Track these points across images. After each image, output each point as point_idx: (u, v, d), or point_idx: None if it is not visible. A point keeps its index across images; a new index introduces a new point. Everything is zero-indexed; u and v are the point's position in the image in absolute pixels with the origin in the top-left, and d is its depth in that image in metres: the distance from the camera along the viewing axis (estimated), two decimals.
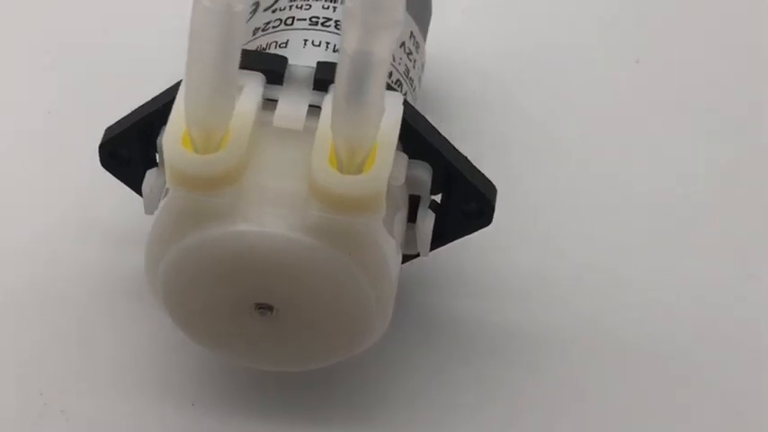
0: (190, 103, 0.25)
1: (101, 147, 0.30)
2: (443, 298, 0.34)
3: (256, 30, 0.31)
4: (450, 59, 0.39)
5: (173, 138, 0.25)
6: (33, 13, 0.41)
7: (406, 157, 0.28)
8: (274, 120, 0.27)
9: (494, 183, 0.30)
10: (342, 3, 0.31)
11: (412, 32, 0.32)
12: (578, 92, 0.39)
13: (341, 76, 0.24)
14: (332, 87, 0.26)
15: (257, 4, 0.32)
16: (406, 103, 0.28)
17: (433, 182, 0.29)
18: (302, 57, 0.30)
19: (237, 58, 0.24)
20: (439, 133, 0.29)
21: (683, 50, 0.40)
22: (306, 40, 0.30)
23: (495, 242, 0.34)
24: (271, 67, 0.27)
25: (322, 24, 0.31)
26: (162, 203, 0.27)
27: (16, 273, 0.33)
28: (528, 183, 0.36)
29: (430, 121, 0.29)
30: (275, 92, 0.27)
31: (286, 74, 0.28)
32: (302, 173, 0.26)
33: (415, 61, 0.32)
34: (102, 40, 0.40)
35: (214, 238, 0.26)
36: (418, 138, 0.28)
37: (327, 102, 0.27)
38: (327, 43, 0.30)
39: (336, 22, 0.31)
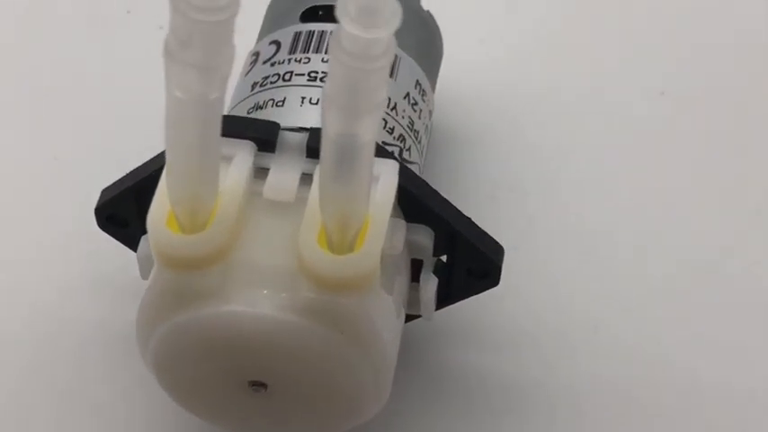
0: (172, 185, 0.24)
1: (97, 210, 0.30)
2: (454, 351, 0.33)
3: (254, 84, 0.30)
4: (464, 91, 0.38)
5: (157, 218, 0.24)
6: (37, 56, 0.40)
7: (404, 223, 0.27)
8: (264, 191, 0.26)
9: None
10: None
11: (417, 81, 0.31)
12: (598, 126, 0.37)
13: (325, 157, 0.23)
14: None
15: (257, 55, 0.31)
16: (403, 168, 0.27)
17: (436, 244, 0.28)
18: (299, 116, 0.29)
19: (218, 141, 0.23)
20: (440, 196, 0.28)
21: (709, 81, 0.38)
22: (303, 98, 0.29)
23: (509, 288, 0.33)
24: (262, 136, 0.26)
25: (321, 80, 0.29)
26: (149, 280, 0.26)
27: (22, 325, 0.33)
28: (542, 223, 0.35)
29: (432, 178, 0.28)
30: (267, 160, 0.26)
31: (278, 140, 0.27)
32: (293, 248, 0.25)
33: (420, 111, 0.31)
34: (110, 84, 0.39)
35: (202, 318, 0.25)
36: (418, 203, 0.27)
37: (317, 174, 0.26)
38: None
39: None
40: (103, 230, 0.30)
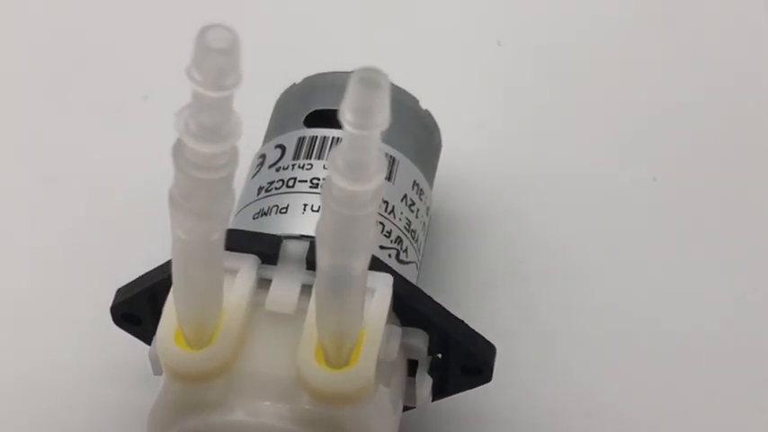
0: (179, 307, 0.25)
1: (112, 308, 0.31)
2: None
3: (260, 189, 0.32)
4: (462, 176, 0.39)
5: (165, 336, 0.26)
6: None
7: (398, 330, 0.28)
8: (266, 303, 0.28)
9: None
10: None
11: (415, 182, 0.33)
12: (597, 212, 0.39)
13: (318, 286, 0.25)
14: None
15: (264, 158, 0.33)
16: (398, 279, 0.28)
17: (431, 345, 0.30)
18: (302, 223, 0.30)
19: (220, 271, 0.25)
20: (432, 302, 0.29)
21: (701, 168, 0.39)
22: (306, 205, 0.31)
23: (505, 373, 0.34)
24: (265, 250, 0.28)
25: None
26: (161, 387, 0.28)
27: (29, 407, 0.34)
28: (540, 309, 0.36)
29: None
30: (270, 272, 0.28)
31: (281, 252, 0.28)
32: (293, 359, 0.26)
33: (418, 210, 0.33)
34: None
35: (207, 426, 0.27)
36: (412, 310, 0.29)
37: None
38: None
39: None
40: (119, 327, 0.32)
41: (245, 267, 0.28)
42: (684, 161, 0.40)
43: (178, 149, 0.22)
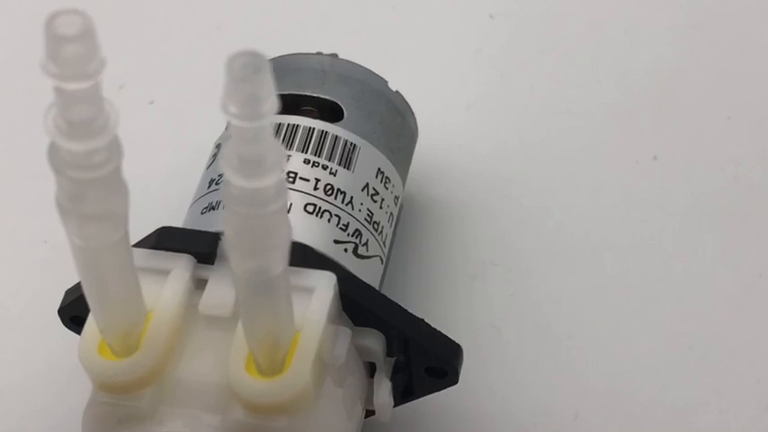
0: (96, 317, 0.24)
1: (60, 311, 0.30)
2: None
3: (211, 182, 0.30)
4: (449, 160, 0.37)
5: (88, 345, 0.24)
6: None
7: (348, 332, 0.26)
8: (200, 306, 0.26)
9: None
10: (298, 150, 0.30)
11: (380, 169, 0.31)
12: (590, 192, 0.36)
13: (237, 290, 0.23)
14: None
15: (218, 148, 0.31)
16: (346, 276, 0.26)
17: (392, 346, 0.28)
18: None
19: (131, 271, 0.23)
20: (386, 301, 0.27)
21: (701, 145, 0.36)
22: None
23: (489, 369, 0.32)
24: (200, 250, 0.26)
25: None
26: (87, 402, 0.26)
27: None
28: (533, 304, 0.34)
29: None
30: (206, 272, 0.26)
31: (218, 251, 0.27)
32: (226, 366, 0.25)
33: (382, 200, 0.30)
34: None
35: None
36: (364, 309, 0.27)
37: None
38: None
39: (289, 173, 0.29)
40: (68, 329, 0.30)
41: (178, 268, 0.26)
42: (687, 138, 0.37)
43: (53, 152, 0.20)
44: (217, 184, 0.30)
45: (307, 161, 0.29)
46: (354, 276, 0.27)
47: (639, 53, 0.38)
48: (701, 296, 0.33)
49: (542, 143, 0.37)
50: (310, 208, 0.29)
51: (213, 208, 0.29)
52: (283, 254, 0.22)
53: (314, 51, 0.33)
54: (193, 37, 0.41)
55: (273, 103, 0.19)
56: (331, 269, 0.26)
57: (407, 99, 0.33)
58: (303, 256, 0.26)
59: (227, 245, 0.21)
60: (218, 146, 0.31)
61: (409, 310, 0.28)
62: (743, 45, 0.38)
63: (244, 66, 0.18)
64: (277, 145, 0.20)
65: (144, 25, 0.41)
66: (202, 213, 0.29)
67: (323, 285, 0.25)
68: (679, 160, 0.36)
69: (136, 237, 0.28)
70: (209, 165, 0.31)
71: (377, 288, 0.30)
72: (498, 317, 0.34)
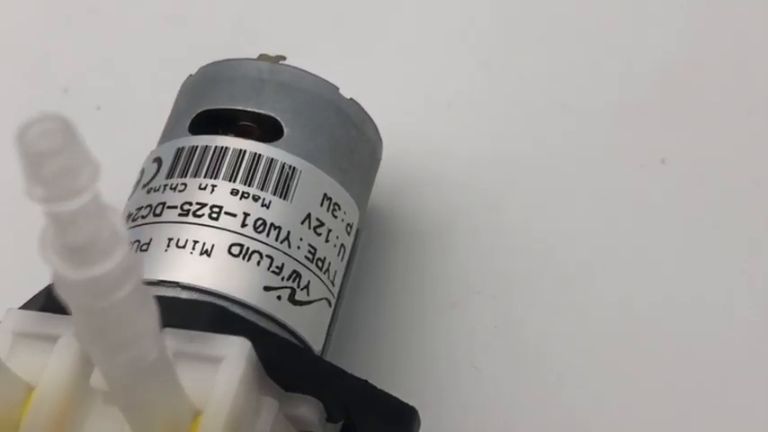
0: None
1: None
2: None
3: (129, 217, 0.26)
4: (428, 166, 0.32)
5: None
6: None
7: (274, 403, 0.22)
8: (92, 381, 0.22)
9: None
10: (225, 179, 0.25)
11: (326, 195, 0.26)
12: (588, 203, 0.31)
13: (108, 385, 0.19)
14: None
15: (142, 174, 0.27)
16: (266, 340, 0.22)
17: (332, 412, 0.24)
18: (163, 265, 0.24)
19: None
20: (322, 361, 0.23)
21: (718, 145, 0.31)
22: (171, 240, 0.24)
23: (469, 408, 0.28)
24: None
25: (194, 214, 0.25)
26: None
27: None
28: (507, 336, 0.30)
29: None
30: None
31: None
32: None
33: (329, 232, 0.26)
34: None
35: None
36: (292, 374, 0.23)
37: None
38: (195, 243, 0.24)
39: (212, 207, 0.25)
40: None
41: (68, 335, 0.22)
42: (701, 137, 0.31)
43: (61, 285, 0.16)
44: (134, 220, 0.26)
45: (234, 192, 0.25)
46: (278, 336, 0.23)
47: (646, 39, 0.33)
48: (716, 328, 0.29)
49: (534, 146, 0.32)
50: (236, 249, 0.24)
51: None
52: (152, 338, 0.18)
53: (265, 49, 0.29)
54: (144, 32, 0.37)
55: (92, 170, 0.15)
56: (249, 330, 0.22)
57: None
58: (212, 320, 0.22)
59: (79, 341, 0.17)
60: (141, 171, 0.27)
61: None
62: (765, 29, 0.33)
63: (41, 136, 0.14)
64: (112, 215, 0.16)
65: (90, 20, 0.37)
66: None
67: (233, 354, 0.21)
68: (692, 163, 0.31)
69: None
70: (131, 195, 0.27)
71: (325, 335, 0.26)
72: (480, 353, 0.29)
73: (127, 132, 0.34)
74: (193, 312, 0.23)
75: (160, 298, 0.22)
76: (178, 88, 0.29)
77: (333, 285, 0.26)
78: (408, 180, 0.32)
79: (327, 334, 0.26)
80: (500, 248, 0.31)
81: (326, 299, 0.26)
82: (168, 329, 0.21)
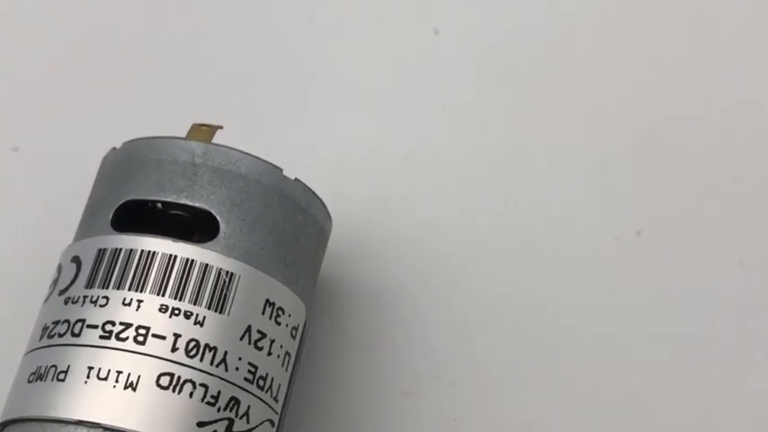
0: None
1: None
2: None
3: (45, 330, 0.23)
4: (382, 232, 0.29)
5: None
6: None
7: None
8: None
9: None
10: (153, 292, 0.22)
11: (268, 300, 0.23)
12: (558, 277, 0.28)
13: None
14: None
15: (59, 272, 0.24)
16: None
17: None
18: (81, 401, 0.21)
19: None
20: None
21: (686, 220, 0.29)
22: (91, 369, 0.21)
23: None
24: None
25: (117, 337, 0.22)
26: None
27: None
28: (489, 415, 0.27)
29: None
30: None
31: None
32: None
33: (272, 343, 0.23)
34: None
35: None
36: None
37: None
38: (119, 374, 0.21)
39: (138, 328, 0.22)
40: None
41: None
42: (680, 207, 0.29)
43: None
44: (50, 336, 0.22)
45: (163, 308, 0.22)
46: None
47: (621, 90, 0.30)
48: (704, 422, 0.27)
49: (498, 211, 0.29)
50: (165, 380, 0.22)
51: (41, 377, 0.22)
52: None
53: (198, 119, 0.26)
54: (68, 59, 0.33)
55: None
56: None
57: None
58: None
59: None
60: (58, 268, 0.24)
61: None
62: (752, 85, 0.30)
63: None
64: None
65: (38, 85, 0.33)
66: (29, 382, 0.22)
67: None
68: (669, 236, 0.28)
69: None
70: (47, 297, 0.24)
71: None
72: None
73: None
74: None
75: None
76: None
77: (276, 402, 0.23)
78: (357, 248, 0.29)
79: None
80: (460, 327, 0.28)
81: (269, 420, 0.23)
82: None
